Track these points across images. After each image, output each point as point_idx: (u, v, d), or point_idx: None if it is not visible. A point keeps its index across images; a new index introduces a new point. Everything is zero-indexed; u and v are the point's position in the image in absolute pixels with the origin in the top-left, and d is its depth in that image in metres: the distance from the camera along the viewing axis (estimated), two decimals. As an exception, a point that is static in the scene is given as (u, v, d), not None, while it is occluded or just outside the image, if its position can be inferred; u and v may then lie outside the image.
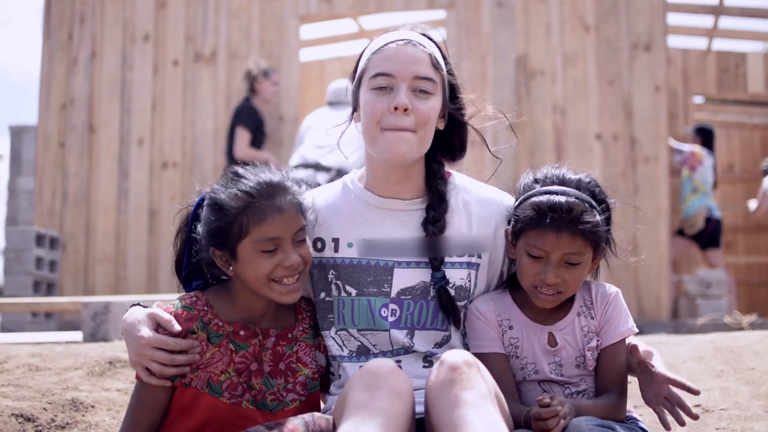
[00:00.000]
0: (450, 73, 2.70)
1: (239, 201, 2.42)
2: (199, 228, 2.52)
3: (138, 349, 2.43)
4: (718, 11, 11.84)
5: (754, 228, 14.13)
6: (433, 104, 2.59)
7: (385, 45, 2.61)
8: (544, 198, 2.49)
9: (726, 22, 12.35)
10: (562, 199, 2.47)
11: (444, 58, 2.69)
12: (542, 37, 9.66)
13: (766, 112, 14.52)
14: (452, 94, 2.71)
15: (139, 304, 2.56)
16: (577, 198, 2.48)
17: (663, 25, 9.62)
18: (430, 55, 2.61)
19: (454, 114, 2.70)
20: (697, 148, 10.36)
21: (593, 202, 2.51)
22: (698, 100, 14.50)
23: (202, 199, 2.56)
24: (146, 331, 2.43)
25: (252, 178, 2.47)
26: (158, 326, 2.46)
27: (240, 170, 2.51)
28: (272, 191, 2.45)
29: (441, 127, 2.68)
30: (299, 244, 2.48)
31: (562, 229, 2.45)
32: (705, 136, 10.62)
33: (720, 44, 13.38)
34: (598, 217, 2.49)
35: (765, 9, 12.04)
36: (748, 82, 12.48)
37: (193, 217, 2.57)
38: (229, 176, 2.50)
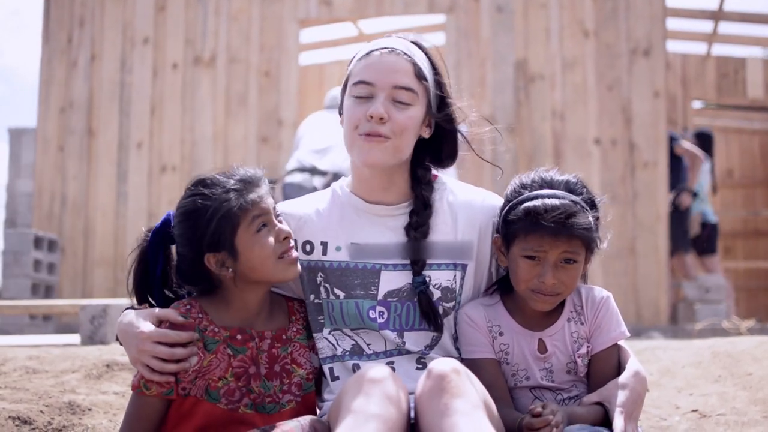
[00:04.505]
0: (439, 82, 2.68)
1: (223, 195, 2.49)
2: (176, 248, 2.59)
3: (138, 345, 2.42)
4: (717, 16, 11.86)
5: (753, 233, 14.13)
6: (412, 114, 2.58)
7: (369, 53, 2.62)
8: (538, 202, 2.48)
9: (725, 27, 12.35)
10: (557, 201, 2.47)
11: (434, 66, 2.68)
12: (542, 42, 9.67)
13: (766, 117, 14.53)
14: (442, 103, 2.69)
15: (132, 307, 2.56)
16: (569, 200, 2.48)
17: (662, 30, 9.63)
18: (413, 64, 2.60)
19: (441, 123, 2.69)
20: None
21: (583, 203, 2.51)
22: (697, 105, 14.50)
23: (157, 233, 2.61)
24: (146, 326, 2.43)
25: (225, 176, 2.54)
26: (159, 322, 2.47)
27: (202, 177, 2.57)
28: (249, 179, 2.54)
29: (426, 135, 2.67)
30: (280, 220, 2.56)
31: (559, 232, 2.45)
32: (703, 141, 10.61)
33: (719, 49, 13.32)
34: (590, 217, 2.49)
35: (764, 14, 12.06)
36: (747, 87, 12.51)
37: (156, 247, 2.61)
38: (196, 187, 2.55)
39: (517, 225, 2.51)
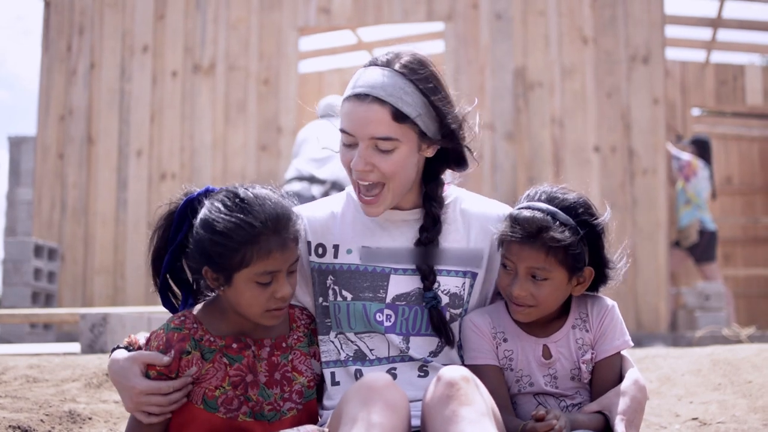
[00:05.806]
0: (434, 105, 2.55)
1: (246, 232, 2.37)
2: (191, 236, 2.47)
3: (133, 398, 2.43)
4: (716, 24, 11.88)
5: (752, 240, 14.14)
6: (397, 158, 2.51)
7: (348, 97, 2.53)
8: (516, 211, 2.53)
9: (724, 35, 12.46)
10: (528, 213, 2.49)
11: (427, 91, 2.54)
12: (541, 50, 9.68)
13: (765, 124, 14.54)
14: (442, 123, 2.58)
15: (118, 347, 2.54)
16: (545, 213, 2.48)
17: (661, 37, 9.65)
18: (391, 108, 2.48)
19: (445, 144, 2.62)
20: (694, 159, 10.37)
21: (567, 220, 2.48)
22: (696, 112, 14.51)
23: (190, 201, 2.53)
24: (138, 381, 2.43)
25: (260, 209, 2.40)
26: (148, 366, 2.45)
27: (242, 194, 2.44)
28: (280, 225, 2.40)
29: (430, 154, 2.61)
30: (291, 274, 2.47)
31: (523, 242, 2.48)
32: (700, 148, 10.61)
33: (718, 56, 13.34)
34: (565, 235, 2.47)
35: (763, 21, 12.09)
36: (746, 94, 12.53)
37: (181, 218, 2.54)
38: (232, 200, 2.42)
39: (501, 230, 2.55)
